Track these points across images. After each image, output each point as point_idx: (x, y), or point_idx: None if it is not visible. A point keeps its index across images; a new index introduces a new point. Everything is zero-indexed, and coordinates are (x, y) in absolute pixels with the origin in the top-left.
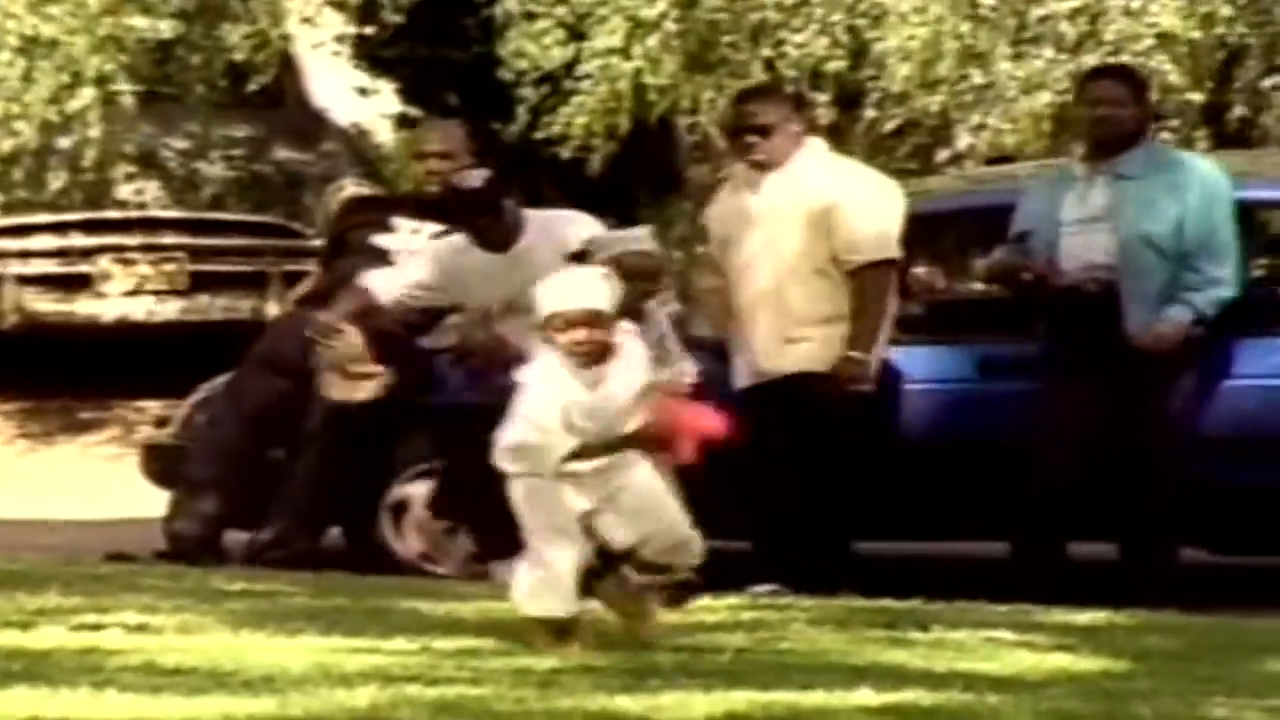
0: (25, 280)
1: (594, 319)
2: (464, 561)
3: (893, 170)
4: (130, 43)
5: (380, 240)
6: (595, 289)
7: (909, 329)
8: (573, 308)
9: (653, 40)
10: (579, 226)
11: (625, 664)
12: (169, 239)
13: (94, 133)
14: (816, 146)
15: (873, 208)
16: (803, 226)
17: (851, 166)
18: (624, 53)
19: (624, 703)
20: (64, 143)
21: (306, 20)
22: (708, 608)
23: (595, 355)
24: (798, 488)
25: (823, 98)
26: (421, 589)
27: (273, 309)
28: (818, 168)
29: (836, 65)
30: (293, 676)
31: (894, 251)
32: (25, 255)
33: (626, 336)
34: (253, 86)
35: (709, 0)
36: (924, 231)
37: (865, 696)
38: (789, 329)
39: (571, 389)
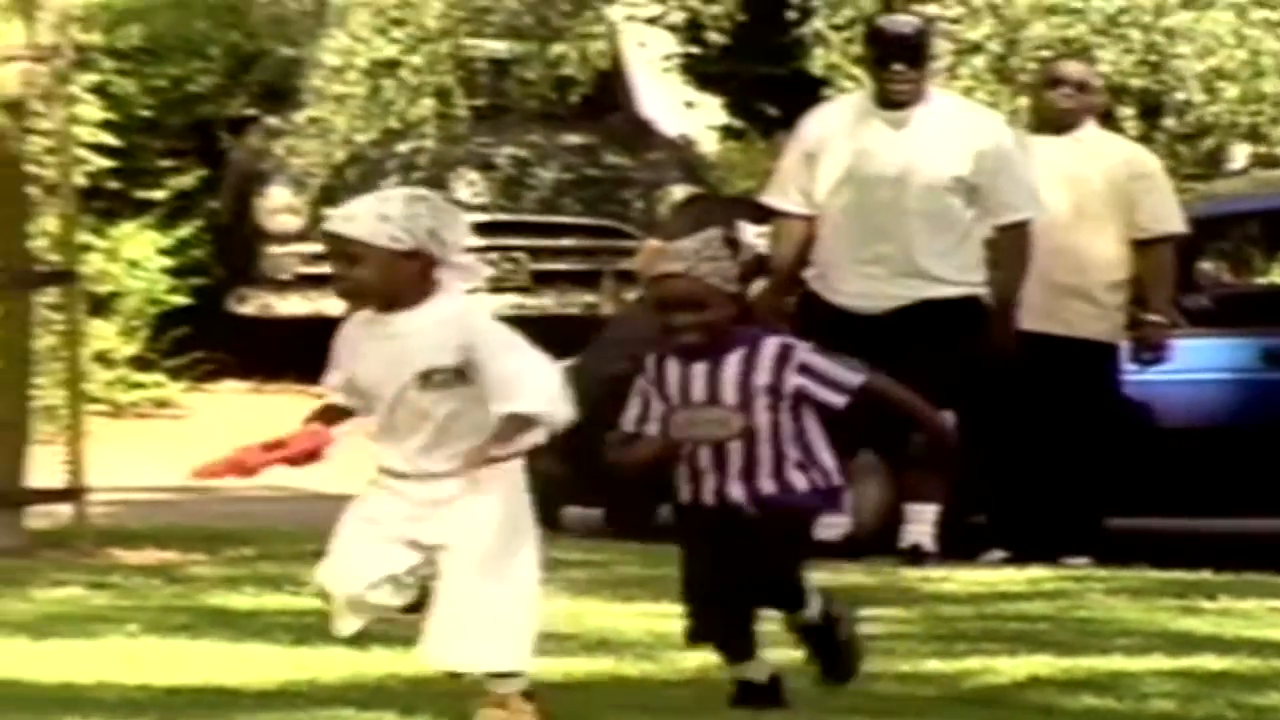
0: None
1: (342, 249)
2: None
3: (1183, 175)
4: (467, 60)
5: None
6: (366, 212)
7: (1198, 321)
8: (331, 230)
9: (978, 61)
10: (990, 125)
11: (932, 630)
12: (511, 240)
13: (429, 143)
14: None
15: (1167, 182)
16: (1109, 191)
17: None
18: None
19: (933, 665)
20: (401, 148)
21: (642, 45)
22: (1010, 579)
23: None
24: (1064, 454)
25: (1128, 111)
26: None
27: (606, 305)
28: (1105, 136)
29: (1140, 81)
30: (627, 640)
31: (1185, 226)
32: None
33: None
34: (575, 99)
35: (1034, 28)
36: (1212, 230)
37: (1159, 661)
38: (1090, 289)
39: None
